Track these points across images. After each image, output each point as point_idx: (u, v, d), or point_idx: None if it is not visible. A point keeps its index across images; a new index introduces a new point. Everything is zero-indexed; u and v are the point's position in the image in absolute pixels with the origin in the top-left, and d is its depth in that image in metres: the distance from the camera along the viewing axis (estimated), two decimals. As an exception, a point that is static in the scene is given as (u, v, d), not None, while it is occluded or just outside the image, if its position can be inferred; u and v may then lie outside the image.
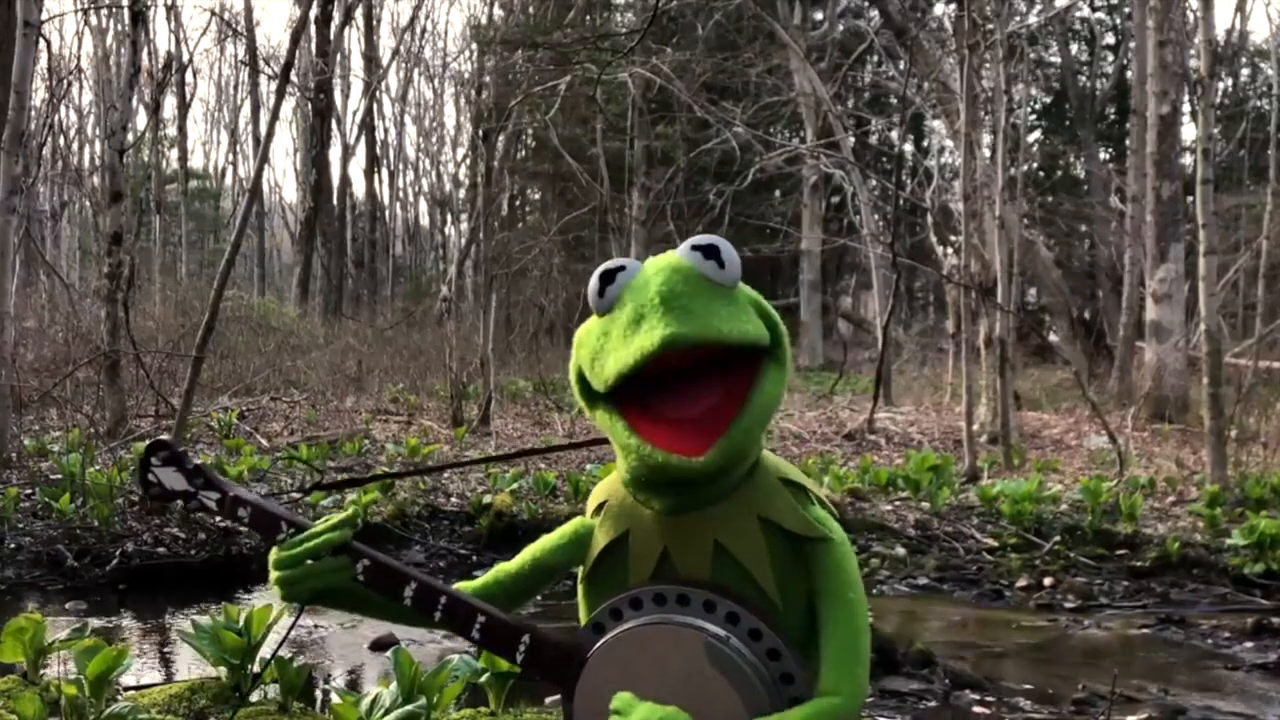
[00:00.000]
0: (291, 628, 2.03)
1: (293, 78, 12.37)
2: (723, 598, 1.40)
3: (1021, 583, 5.59)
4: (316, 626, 4.61)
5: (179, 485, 1.68)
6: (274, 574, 1.53)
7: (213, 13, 35.21)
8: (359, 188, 31.56)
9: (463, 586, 1.61)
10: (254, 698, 3.11)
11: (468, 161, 19.89)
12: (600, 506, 1.55)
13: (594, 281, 1.44)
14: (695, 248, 1.41)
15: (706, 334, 1.33)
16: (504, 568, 1.62)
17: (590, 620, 1.48)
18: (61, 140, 22.28)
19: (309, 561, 1.53)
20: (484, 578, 1.62)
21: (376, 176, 30.34)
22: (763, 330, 1.41)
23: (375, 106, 29.11)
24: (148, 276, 18.00)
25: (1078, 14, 25.23)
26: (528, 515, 6.19)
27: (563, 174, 21.22)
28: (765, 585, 1.42)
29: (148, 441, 1.74)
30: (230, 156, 33.59)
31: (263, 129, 23.59)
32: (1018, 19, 17.76)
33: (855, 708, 1.39)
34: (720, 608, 1.39)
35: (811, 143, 19.05)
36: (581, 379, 1.48)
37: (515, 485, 6.90)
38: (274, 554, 1.55)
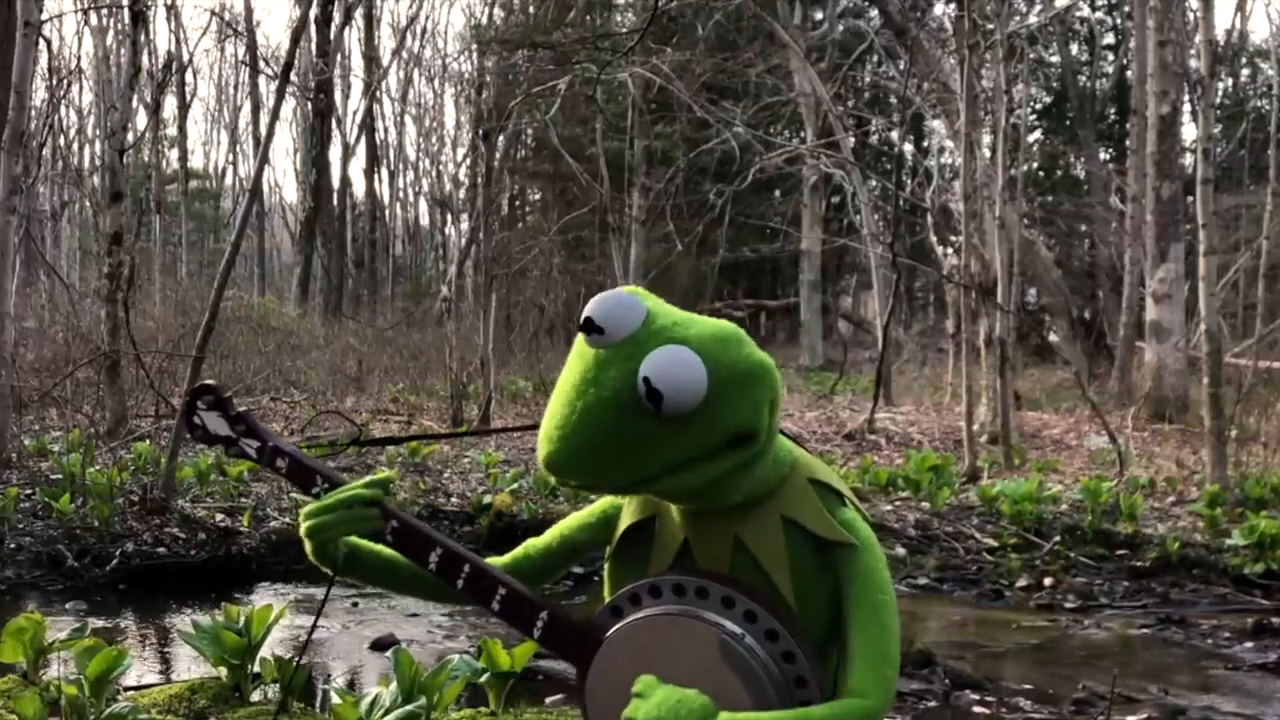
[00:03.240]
0: (325, 598, 1.98)
1: (293, 78, 12.36)
2: (742, 595, 1.39)
3: (1021, 583, 5.59)
4: (317, 627, 4.62)
5: (222, 430, 1.71)
6: (305, 524, 1.54)
7: (213, 13, 35.22)
8: (359, 188, 31.56)
9: (494, 559, 1.63)
10: (254, 698, 3.11)
11: (468, 161, 19.92)
12: None
13: (582, 324, 1.38)
14: (646, 379, 1.30)
15: (585, 481, 1.36)
16: (533, 542, 1.64)
17: (609, 603, 1.48)
18: (61, 140, 22.29)
19: (341, 510, 1.54)
20: (514, 551, 1.65)
21: (376, 176, 30.34)
22: (685, 455, 1.33)
23: (375, 106, 29.13)
24: (148, 276, 17.99)
25: (1078, 14, 25.22)
26: (528, 515, 6.19)
27: (563, 174, 21.20)
28: (781, 586, 1.41)
29: (198, 384, 1.78)
30: (230, 156, 33.59)
31: (263, 129, 23.60)
32: (1018, 19, 17.75)
33: (884, 709, 1.37)
34: (739, 605, 1.38)
35: (811, 143, 19.04)
36: None
37: (515, 485, 6.91)
38: (306, 507, 1.56)
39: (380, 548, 1.61)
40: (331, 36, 23.58)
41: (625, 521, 1.52)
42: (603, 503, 1.57)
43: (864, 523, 1.47)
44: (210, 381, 1.78)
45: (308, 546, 1.55)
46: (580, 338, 1.39)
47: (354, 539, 1.59)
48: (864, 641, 1.38)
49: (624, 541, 1.52)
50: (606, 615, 1.47)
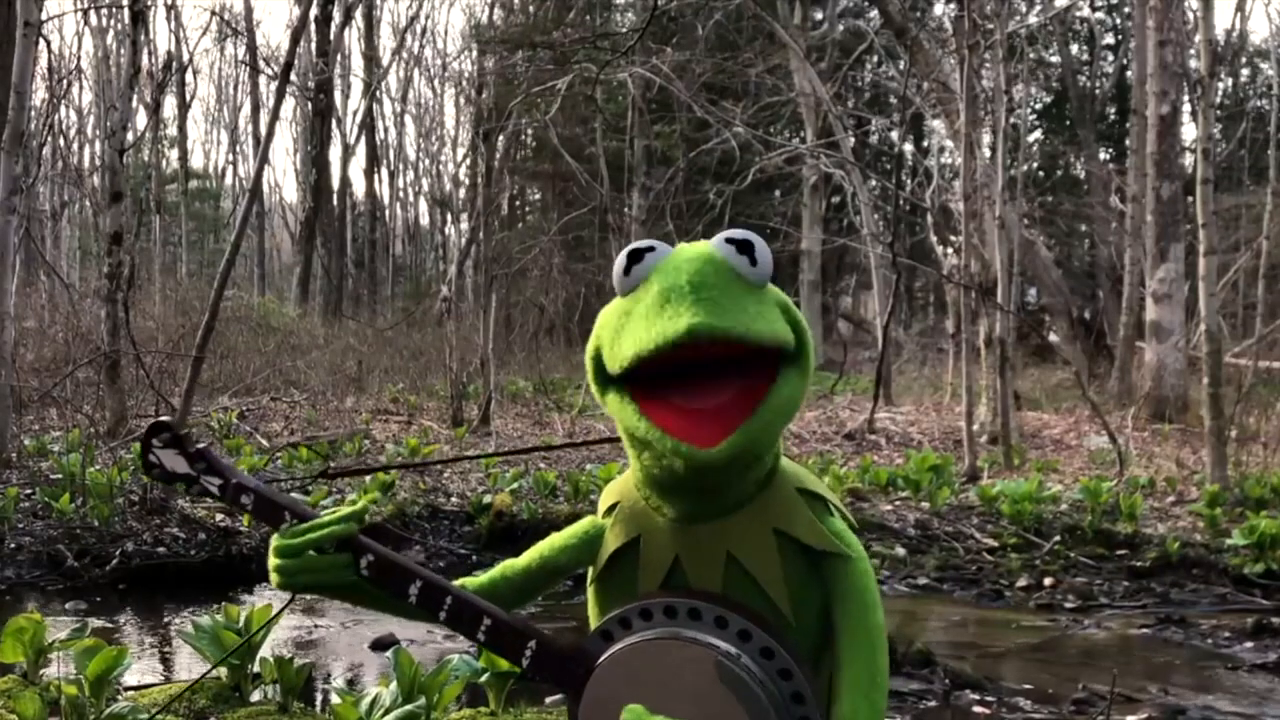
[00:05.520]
0: (281, 612, 2.00)
1: (293, 78, 12.36)
2: (735, 614, 1.37)
3: (1021, 583, 5.59)
4: (316, 626, 4.62)
5: (181, 468, 1.63)
6: (272, 561, 1.50)
7: (213, 13, 35.24)
8: (359, 188, 31.61)
9: (467, 582, 1.58)
10: (254, 698, 3.11)
11: (468, 161, 19.91)
12: (612, 508, 1.53)
13: (621, 259, 1.39)
14: (730, 241, 1.37)
15: (734, 329, 1.28)
16: (511, 564, 1.58)
17: (599, 628, 1.46)
18: (61, 140, 22.28)
19: (310, 553, 1.50)
20: (490, 573, 1.59)
21: (376, 176, 30.36)
22: (789, 334, 1.36)
23: (375, 106, 29.13)
24: (148, 276, 17.97)
25: (1078, 14, 25.22)
26: (528, 515, 6.19)
27: (563, 174, 21.21)
28: (778, 600, 1.39)
29: (151, 421, 1.71)
30: (230, 156, 33.64)
31: (263, 129, 23.58)
32: (1018, 19, 17.75)
33: None
34: (732, 624, 1.36)
35: (811, 143, 19.03)
36: (597, 360, 1.43)
37: (515, 485, 6.90)
38: (275, 540, 1.52)
39: None
40: (331, 36, 23.58)
41: (611, 545, 1.49)
42: (584, 523, 1.54)
43: (852, 533, 1.46)
44: (165, 418, 1.72)
45: (272, 579, 1.51)
46: (616, 303, 1.41)
47: None
48: (856, 666, 1.37)
49: (609, 565, 1.49)
50: (597, 640, 1.44)
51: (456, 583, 1.55)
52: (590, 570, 1.53)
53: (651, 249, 1.39)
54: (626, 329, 1.35)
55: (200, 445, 1.65)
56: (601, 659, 1.42)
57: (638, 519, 1.48)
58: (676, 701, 1.34)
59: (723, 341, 1.28)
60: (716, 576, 1.41)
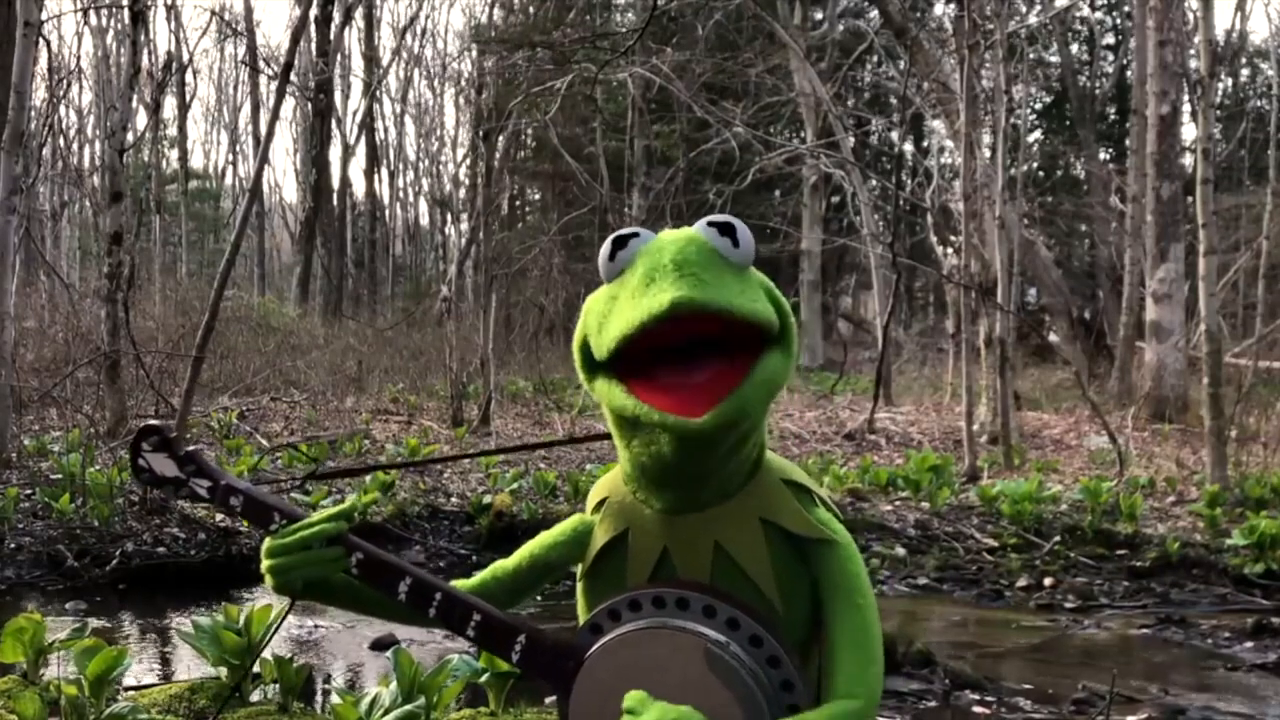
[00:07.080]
0: (282, 620, 2.01)
1: (293, 78, 12.35)
2: (723, 602, 1.38)
3: (1021, 583, 5.59)
4: (316, 627, 4.62)
5: (170, 471, 1.64)
6: (265, 562, 1.51)
7: (213, 13, 35.29)
8: (359, 188, 31.62)
9: (459, 583, 1.59)
10: (254, 698, 3.11)
11: (468, 161, 19.89)
12: (600, 504, 1.54)
13: (606, 247, 1.40)
14: (711, 224, 1.39)
15: (717, 302, 1.28)
16: (501, 564, 1.59)
17: (588, 621, 1.46)
18: (61, 140, 22.27)
19: (302, 551, 1.52)
20: (481, 574, 1.60)
21: (376, 176, 30.37)
22: (772, 313, 1.37)
23: (375, 106, 29.13)
24: (148, 276, 17.96)
25: (1078, 14, 25.23)
26: (528, 515, 6.19)
27: (563, 174, 21.21)
28: (766, 588, 1.40)
29: (140, 425, 1.71)
30: (230, 156, 33.65)
31: (263, 129, 23.56)
32: (1018, 19, 17.75)
33: (872, 709, 1.37)
34: (720, 613, 1.37)
35: (811, 143, 19.04)
36: (584, 349, 1.44)
37: (515, 485, 6.90)
38: (267, 542, 1.53)
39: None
40: (331, 36, 23.58)
41: (600, 539, 1.50)
42: (573, 520, 1.55)
43: (838, 521, 1.47)
44: (155, 422, 1.73)
45: (268, 581, 1.52)
46: (602, 290, 1.42)
47: None
48: (850, 645, 1.39)
49: (598, 560, 1.50)
50: (586, 634, 1.44)
51: (449, 584, 1.56)
52: (579, 567, 1.54)
53: (636, 234, 1.41)
54: (613, 312, 1.36)
55: (190, 448, 1.66)
56: (591, 651, 1.43)
57: (626, 512, 1.48)
58: (666, 690, 1.34)
59: (706, 315, 1.29)
60: (705, 567, 1.42)
